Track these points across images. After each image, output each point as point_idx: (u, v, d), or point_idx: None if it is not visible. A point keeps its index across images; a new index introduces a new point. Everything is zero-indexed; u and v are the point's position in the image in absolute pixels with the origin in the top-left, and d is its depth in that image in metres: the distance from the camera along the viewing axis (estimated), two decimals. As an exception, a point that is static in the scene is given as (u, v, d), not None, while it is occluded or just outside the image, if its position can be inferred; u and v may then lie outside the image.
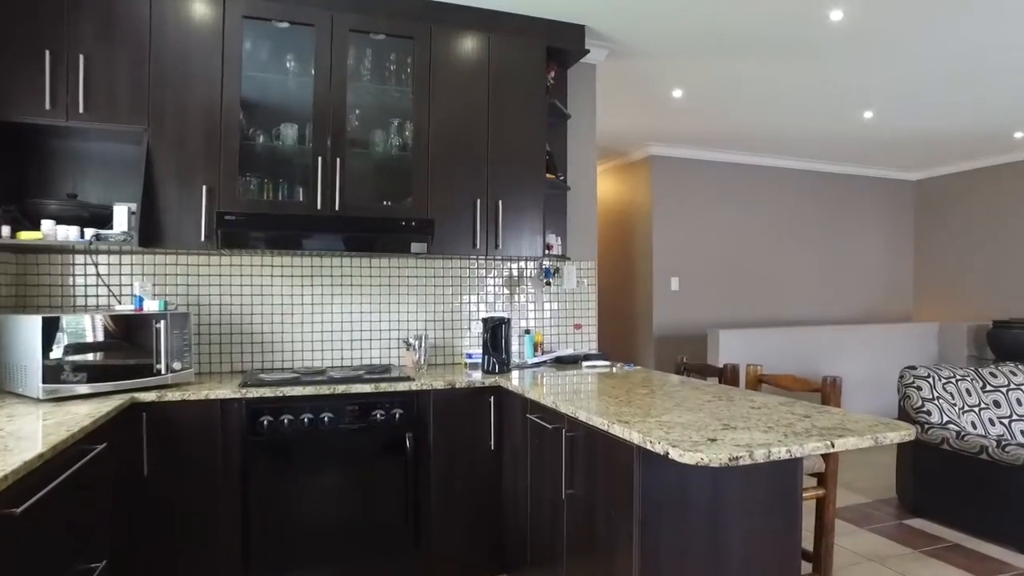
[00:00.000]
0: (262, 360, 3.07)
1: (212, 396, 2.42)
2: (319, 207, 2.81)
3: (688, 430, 1.72)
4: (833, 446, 1.59)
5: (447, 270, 3.39)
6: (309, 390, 2.52)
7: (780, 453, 1.52)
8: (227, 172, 2.71)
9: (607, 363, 3.29)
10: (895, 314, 7.20)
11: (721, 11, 3.20)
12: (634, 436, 1.69)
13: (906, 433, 1.70)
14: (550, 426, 2.26)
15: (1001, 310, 6.24)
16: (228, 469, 2.46)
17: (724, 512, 1.82)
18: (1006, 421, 3.98)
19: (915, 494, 3.76)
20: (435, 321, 3.36)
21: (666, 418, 1.88)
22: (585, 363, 3.27)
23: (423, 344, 3.13)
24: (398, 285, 3.30)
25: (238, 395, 2.45)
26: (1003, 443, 3.28)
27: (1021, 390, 4.16)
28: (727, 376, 2.90)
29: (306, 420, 2.52)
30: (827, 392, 2.42)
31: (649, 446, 1.62)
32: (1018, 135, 5.68)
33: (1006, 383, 4.15)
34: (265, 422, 2.46)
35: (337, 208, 2.83)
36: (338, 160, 2.84)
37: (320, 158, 2.82)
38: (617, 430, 1.78)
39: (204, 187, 2.67)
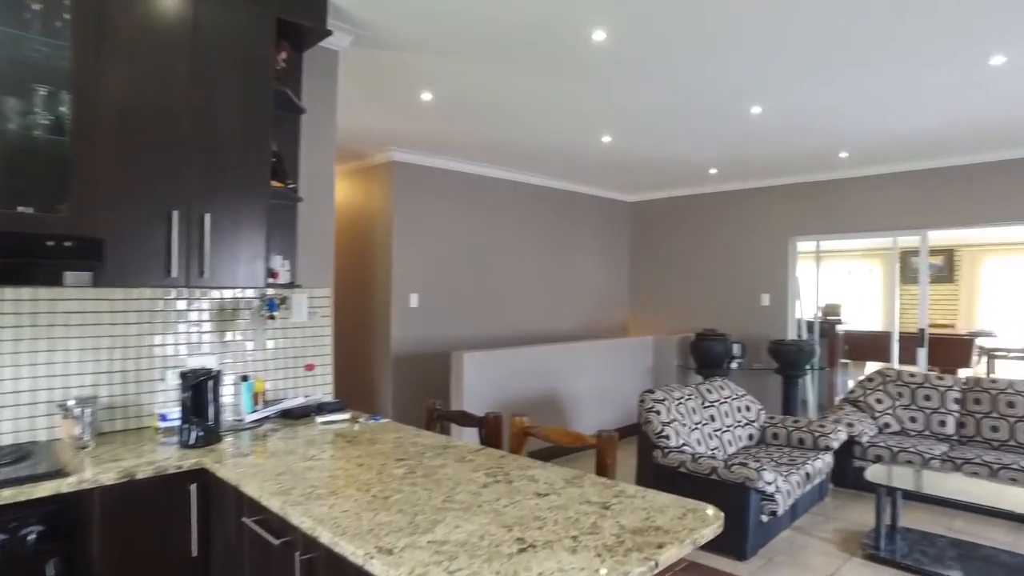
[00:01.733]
0: None
1: None
2: None
3: (476, 559, 1.27)
4: (658, 565, 1.27)
5: (130, 303, 2.50)
6: None
7: (604, 597, 1.15)
8: None
9: (346, 416, 2.71)
10: (614, 328, 7.77)
11: (480, 12, 2.85)
12: (407, 583, 1.19)
13: (717, 525, 1.48)
14: (277, 540, 1.63)
15: (701, 323, 7.06)
16: None
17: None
18: (719, 434, 4.33)
19: (652, 515, 3.87)
20: (112, 373, 2.44)
21: (441, 532, 1.41)
22: (320, 417, 2.66)
23: (90, 410, 2.22)
24: (50, 326, 2.31)
25: None
26: (729, 463, 3.49)
27: (728, 403, 4.60)
28: (488, 428, 2.55)
29: None
30: (603, 449, 2.19)
31: (431, 604, 1.13)
32: (712, 171, 6.44)
33: (718, 398, 4.55)
34: None
35: (-70, 214, 1.82)
36: (-67, 140, 1.82)
37: None
38: (378, 567, 1.26)
39: None
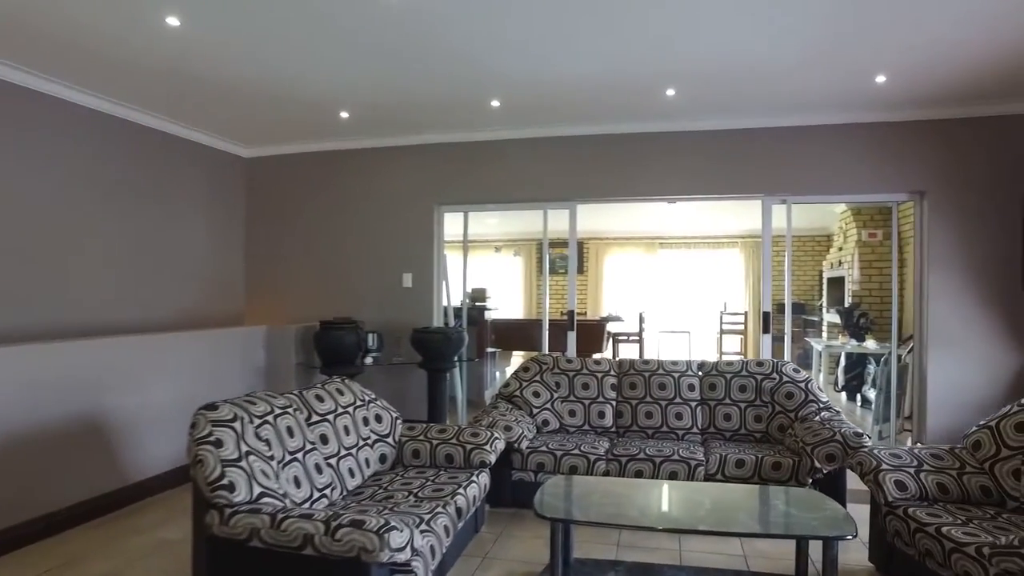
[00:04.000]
0: None
1: None
2: None
3: None
4: None
5: None
6: None
7: None
8: None
9: None
10: (227, 317, 5.79)
11: None
12: None
13: None
14: None
15: (335, 310, 5.57)
16: None
17: None
18: (334, 461, 2.87)
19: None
20: None
21: None
22: None
23: None
24: None
25: None
26: (336, 523, 2.04)
27: (349, 414, 3.17)
28: None
29: None
30: None
31: None
32: (343, 114, 5.03)
33: (334, 408, 3.09)
34: None
35: None
36: None
37: None
38: None
39: None
